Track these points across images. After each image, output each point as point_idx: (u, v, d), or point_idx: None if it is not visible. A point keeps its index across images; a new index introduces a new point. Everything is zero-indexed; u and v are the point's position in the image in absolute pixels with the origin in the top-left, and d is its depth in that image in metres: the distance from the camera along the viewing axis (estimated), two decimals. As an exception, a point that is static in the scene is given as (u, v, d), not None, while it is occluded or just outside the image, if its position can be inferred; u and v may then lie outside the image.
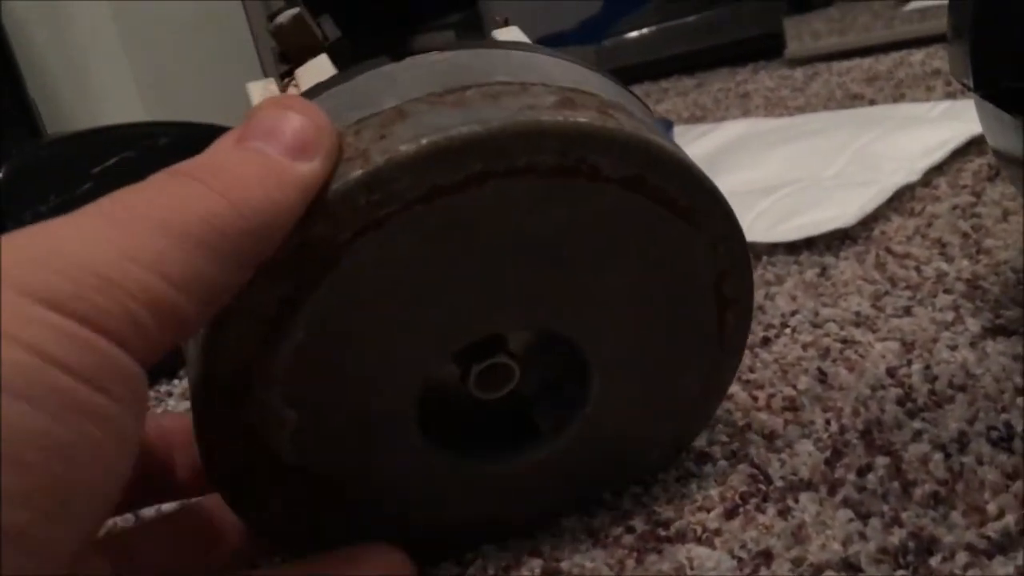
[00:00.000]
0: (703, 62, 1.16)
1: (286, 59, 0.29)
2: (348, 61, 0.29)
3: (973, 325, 0.33)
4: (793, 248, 0.45)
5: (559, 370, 0.25)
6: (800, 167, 0.54)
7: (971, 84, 0.29)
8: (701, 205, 0.23)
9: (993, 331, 0.32)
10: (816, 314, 0.37)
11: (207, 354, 0.20)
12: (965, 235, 0.42)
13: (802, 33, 1.15)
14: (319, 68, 0.25)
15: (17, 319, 0.13)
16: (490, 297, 0.22)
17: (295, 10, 0.29)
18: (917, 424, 0.27)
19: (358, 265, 0.20)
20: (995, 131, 0.31)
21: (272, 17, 0.29)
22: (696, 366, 0.25)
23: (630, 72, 1.21)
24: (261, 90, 0.25)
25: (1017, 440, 0.26)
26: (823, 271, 0.42)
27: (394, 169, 0.19)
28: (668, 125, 0.57)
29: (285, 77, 0.28)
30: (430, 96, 0.20)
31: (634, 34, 1.20)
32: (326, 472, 0.22)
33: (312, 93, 0.22)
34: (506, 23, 0.31)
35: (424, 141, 0.19)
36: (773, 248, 0.46)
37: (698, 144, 0.65)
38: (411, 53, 0.29)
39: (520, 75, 0.21)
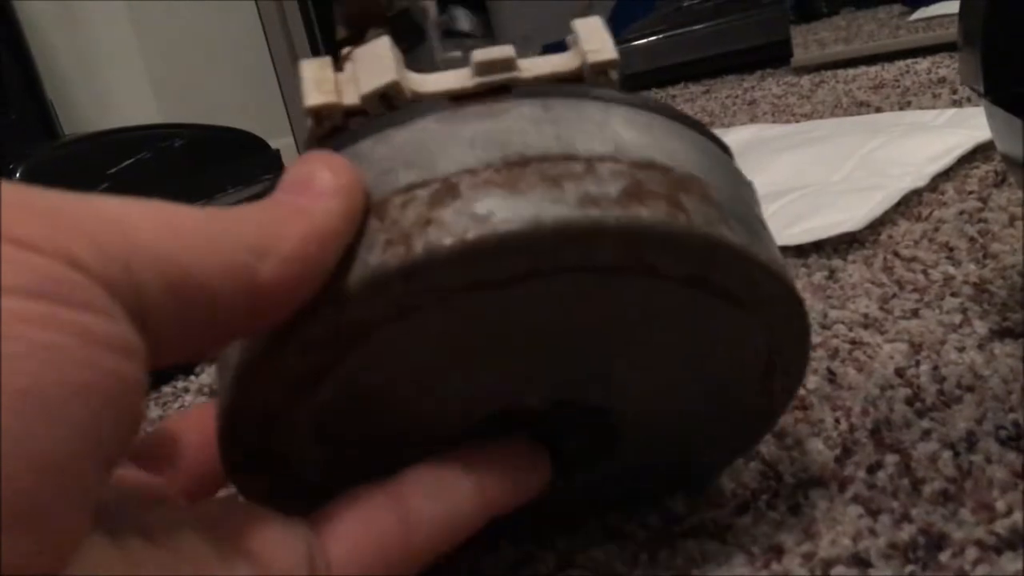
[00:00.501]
0: (711, 70, 1.17)
1: (349, 24, 0.28)
2: (411, 37, 0.28)
3: (980, 327, 0.34)
4: (801, 251, 0.46)
5: (588, 422, 0.25)
6: (808, 172, 0.55)
7: (981, 89, 0.29)
8: (763, 295, 0.21)
9: (1000, 333, 0.33)
10: (825, 316, 0.38)
11: (234, 397, 0.20)
12: (972, 239, 0.43)
13: (808, 41, 1.16)
14: (379, 57, 0.23)
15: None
16: (522, 377, 0.21)
17: None
18: (926, 423, 0.28)
19: (389, 342, 0.19)
20: (1004, 136, 0.31)
21: None
22: (735, 424, 0.25)
23: (638, 79, 1.22)
24: (316, 69, 0.23)
25: (1025, 439, 0.26)
26: (831, 274, 0.42)
27: (436, 263, 0.17)
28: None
29: (344, 47, 0.27)
30: (487, 168, 0.18)
31: (642, 42, 1.20)
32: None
33: (366, 131, 0.20)
34: (588, 6, 0.29)
35: (470, 236, 0.17)
36: (782, 251, 0.46)
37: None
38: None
39: (589, 143, 0.19)
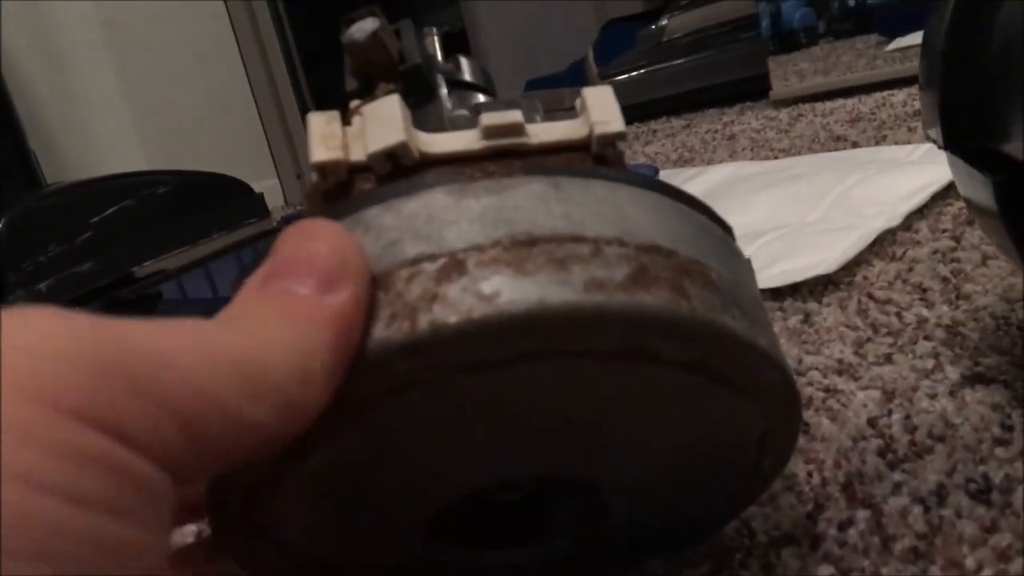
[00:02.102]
0: (691, 103, 1.18)
1: (357, 75, 0.27)
2: (421, 93, 0.28)
3: (952, 373, 0.34)
4: (778, 294, 0.46)
5: (579, 494, 0.25)
6: (784, 212, 0.55)
7: (941, 143, 0.30)
8: (761, 382, 0.21)
9: (972, 379, 0.33)
10: (800, 362, 0.38)
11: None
12: (945, 280, 0.43)
13: (788, 72, 1.18)
14: (388, 115, 0.22)
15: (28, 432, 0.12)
16: (517, 454, 0.21)
17: (373, 26, 0.26)
18: (897, 476, 0.28)
19: (385, 417, 0.19)
20: (966, 185, 0.32)
21: (348, 22, 0.27)
22: (722, 498, 0.25)
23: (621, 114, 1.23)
24: (323, 124, 0.22)
25: (995, 492, 0.26)
26: (806, 318, 0.42)
27: (439, 341, 0.17)
28: (654, 171, 0.58)
29: (354, 99, 0.27)
30: (495, 245, 0.18)
31: (623, 77, 1.22)
32: (334, 558, 0.23)
33: (373, 199, 0.20)
34: (599, 76, 0.29)
35: (476, 315, 0.17)
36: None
37: (684, 189, 0.66)
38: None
39: (597, 225, 0.19)
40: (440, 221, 0.19)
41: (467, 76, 0.32)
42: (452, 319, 0.17)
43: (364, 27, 0.26)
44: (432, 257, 0.18)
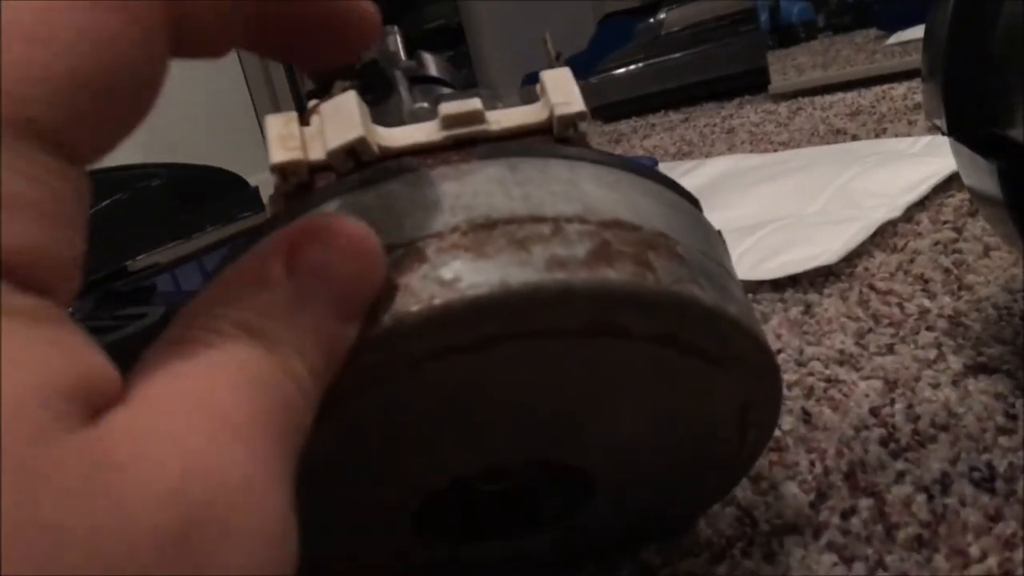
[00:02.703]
0: (690, 97, 1.18)
1: (314, 76, 0.27)
2: (379, 89, 0.28)
3: (955, 363, 0.33)
4: (778, 285, 0.46)
5: (562, 479, 0.24)
6: (784, 204, 0.55)
7: (944, 128, 0.29)
8: (735, 351, 0.21)
9: (975, 369, 0.33)
10: (801, 352, 0.38)
11: None
12: (947, 271, 0.43)
13: (786, 67, 1.17)
14: (345, 112, 0.22)
15: None
16: (496, 440, 0.21)
17: None
18: (900, 465, 0.28)
19: (357, 411, 0.18)
20: (970, 172, 0.31)
21: None
22: (710, 474, 0.25)
23: (618, 108, 1.23)
24: (281, 125, 0.22)
25: (999, 480, 0.26)
26: (807, 309, 0.42)
27: (403, 330, 0.17)
28: (652, 163, 0.58)
29: (312, 98, 0.26)
30: (454, 231, 0.18)
31: (621, 71, 1.21)
32: (318, 558, 0.22)
33: (331, 193, 0.19)
34: (558, 58, 0.29)
35: (437, 301, 0.17)
36: (758, 285, 0.46)
37: (683, 181, 0.66)
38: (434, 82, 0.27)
39: (556, 204, 0.19)
40: (398, 212, 0.19)
41: (431, 71, 0.32)
42: (414, 308, 0.17)
43: None
44: (391, 248, 0.18)
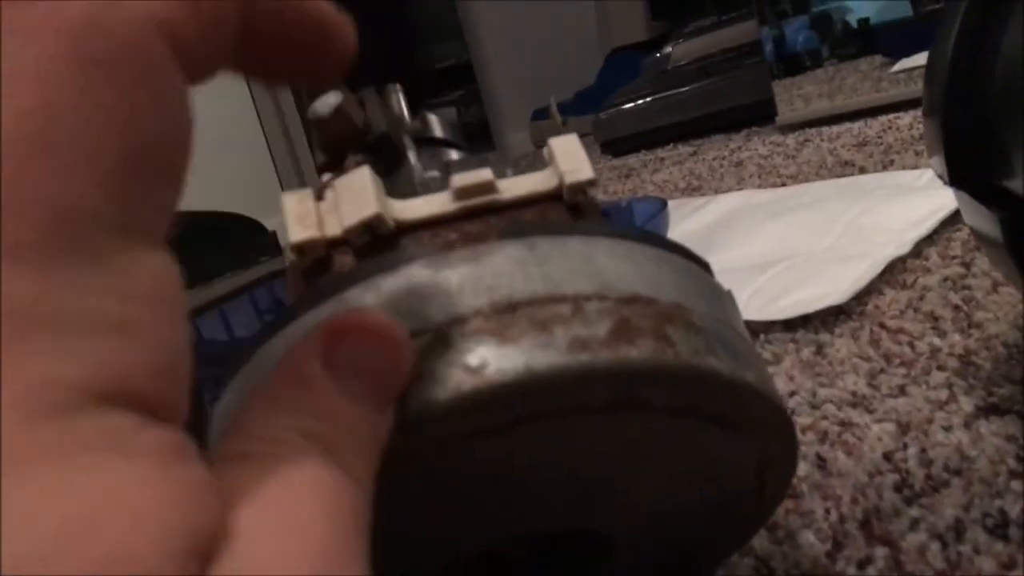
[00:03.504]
0: (698, 130, 1.19)
1: (326, 149, 0.28)
2: (391, 161, 0.29)
3: (966, 404, 0.34)
4: (790, 325, 0.46)
5: (584, 541, 0.25)
6: (793, 242, 0.56)
7: (947, 179, 0.30)
8: (752, 416, 0.21)
9: (986, 410, 0.33)
10: (814, 395, 0.38)
11: None
12: (956, 308, 0.43)
13: (793, 96, 1.18)
14: (360, 188, 0.23)
15: None
16: (521, 511, 0.22)
17: (336, 100, 0.27)
18: (915, 512, 0.28)
19: (386, 487, 0.18)
20: (972, 216, 0.32)
21: (311, 97, 0.27)
22: (728, 528, 0.26)
23: (627, 142, 1.24)
24: (297, 203, 0.23)
25: (1012, 527, 0.26)
26: (819, 349, 0.43)
27: (431, 417, 0.17)
28: (662, 204, 0.59)
29: (324, 172, 0.27)
30: (477, 315, 0.18)
31: (630, 105, 1.23)
32: None
33: (353, 279, 0.20)
34: (564, 124, 0.30)
35: (465, 388, 0.17)
36: (770, 325, 0.47)
37: (693, 219, 0.67)
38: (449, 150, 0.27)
39: (575, 282, 0.19)
40: (421, 296, 0.19)
41: (436, 132, 0.32)
42: (442, 395, 0.17)
43: (327, 102, 0.26)
44: (416, 334, 0.18)
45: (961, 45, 0.29)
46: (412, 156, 0.29)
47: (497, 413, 0.18)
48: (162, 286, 0.13)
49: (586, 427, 0.19)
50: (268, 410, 0.15)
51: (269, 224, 0.95)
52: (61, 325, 0.11)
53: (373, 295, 0.19)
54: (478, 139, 1.55)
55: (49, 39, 0.12)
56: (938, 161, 0.30)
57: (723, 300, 0.23)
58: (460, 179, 0.23)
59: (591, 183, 0.24)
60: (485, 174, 0.23)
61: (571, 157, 0.24)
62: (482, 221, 0.23)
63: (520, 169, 0.26)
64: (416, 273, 0.19)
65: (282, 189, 1.35)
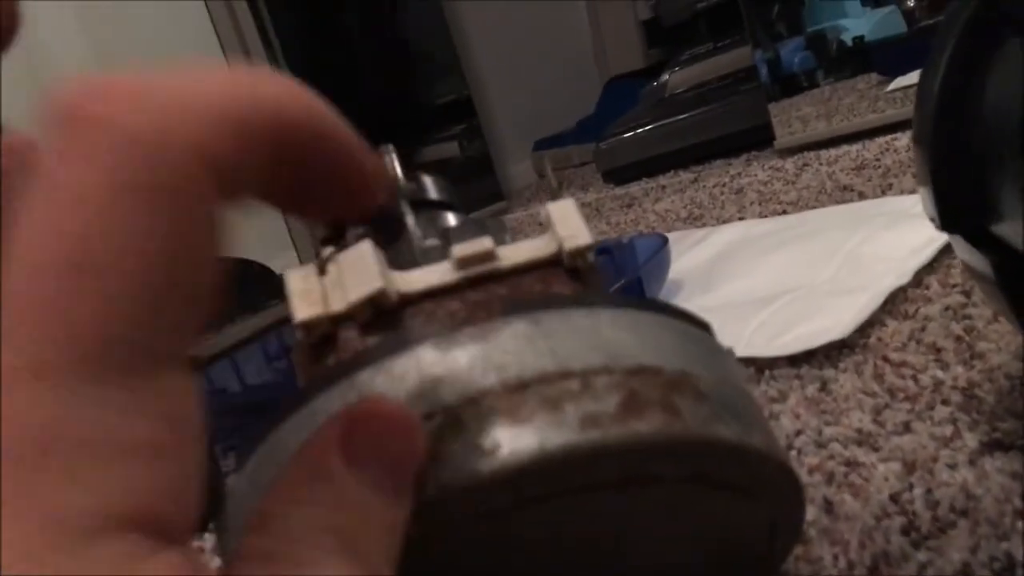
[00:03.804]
0: (698, 156, 1.20)
1: (327, 222, 0.29)
2: (391, 232, 0.29)
3: (971, 440, 0.34)
4: (794, 360, 0.47)
5: None
6: (795, 274, 0.56)
7: (939, 224, 0.31)
8: (761, 479, 0.22)
9: (990, 446, 0.33)
10: (820, 433, 0.39)
11: None
12: (958, 338, 0.43)
13: (791, 118, 1.19)
14: (363, 263, 0.23)
15: None
16: None
17: None
18: (922, 556, 0.28)
19: (399, 568, 0.19)
20: (964, 252, 0.32)
21: None
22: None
23: (628, 171, 1.25)
24: (300, 281, 0.23)
25: (1018, 569, 0.26)
26: (824, 385, 0.43)
27: (447, 503, 0.18)
28: (663, 241, 0.60)
29: (326, 244, 0.27)
30: (487, 393, 0.19)
31: (629, 134, 1.24)
32: None
33: (363, 361, 0.20)
34: (560, 186, 0.30)
35: (479, 472, 0.17)
36: (774, 361, 0.47)
37: (694, 253, 0.68)
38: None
39: (582, 356, 0.20)
40: (431, 377, 0.19)
41: (431, 194, 0.33)
42: (457, 479, 0.18)
43: None
44: (429, 415, 0.18)
45: (945, 95, 0.30)
46: (410, 223, 0.30)
47: (510, 494, 0.18)
48: (184, 407, 0.13)
49: (597, 501, 0.20)
50: (288, 506, 0.15)
51: (276, 267, 0.96)
52: (81, 449, 0.11)
53: (384, 378, 0.20)
54: (480, 172, 1.56)
55: (95, 163, 0.12)
56: (928, 203, 0.31)
57: (725, 360, 0.23)
58: (460, 249, 0.23)
59: (590, 248, 0.24)
60: (485, 243, 0.23)
61: (569, 222, 0.25)
62: (484, 289, 0.24)
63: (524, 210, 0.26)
64: (425, 354, 0.20)
65: (289, 233, 1.36)
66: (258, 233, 1.36)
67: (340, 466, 0.16)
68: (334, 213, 0.18)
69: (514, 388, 0.19)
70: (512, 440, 0.18)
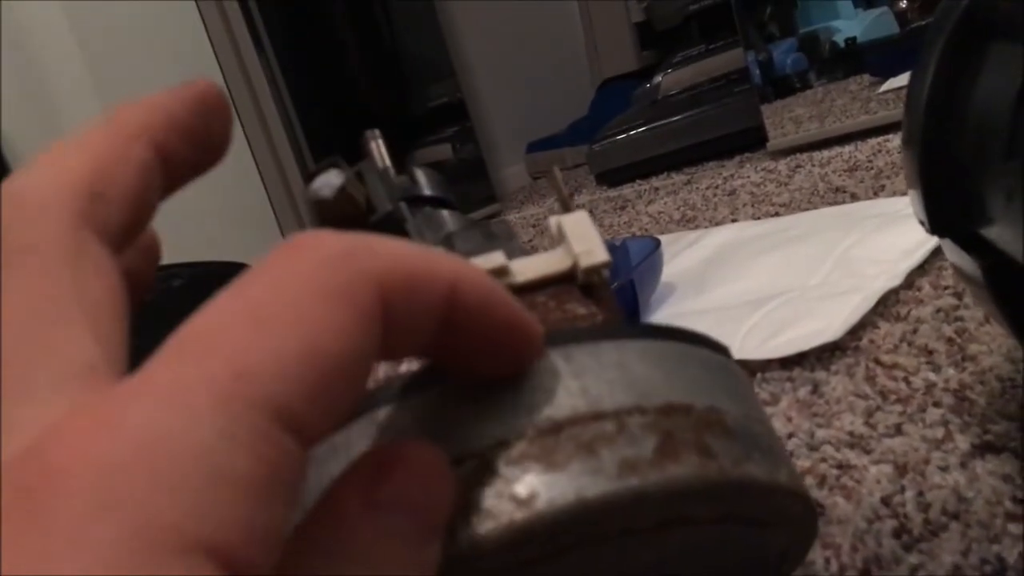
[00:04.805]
0: (691, 158, 1.20)
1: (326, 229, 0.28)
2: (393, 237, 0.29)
3: (962, 442, 0.34)
4: (786, 363, 0.47)
5: None
6: (786, 277, 0.56)
7: (928, 227, 0.31)
8: (785, 514, 0.21)
9: (982, 448, 0.33)
10: (812, 436, 0.39)
11: None
12: (950, 340, 0.44)
13: (784, 119, 1.19)
14: None
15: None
16: None
17: (339, 180, 0.26)
18: (914, 558, 0.28)
19: None
20: (953, 255, 0.32)
21: (309, 177, 0.27)
22: None
23: (622, 172, 1.25)
24: None
25: (1009, 572, 0.26)
26: (816, 388, 0.43)
27: (482, 554, 0.17)
28: (656, 243, 0.60)
29: None
30: (520, 438, 0.18)
31: (622, 136, 1.24)
32: None
33: (384, 397, 0.19)
34: (571, 196, 0.29)
35: (515, 522, 0.17)
36: (766, 364, 0.47)
37: (687, 255, 0.68)
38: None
39: (615, 395, 0.19)
40: (457, 419, 0.18)
41: (426, 190, 0.32)
42: (493, 530, 0.17)
43: (330, 182, 0.26)
44: (458, 459, 0.18)
45: (933, 101, 0.30)
46: (411, 227, 0.30)
47: (547, 544, 0.17)
48: (291, 468, 0.13)
49: (628, 544, 0.19)
50: (308, 556, 0.15)
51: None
52: (188, 463, 0.12)
53: (408, 417, 0.19)
54: (473, 175, 1.57)
55: (293, 266, 0.14)
56: (918, 206, 0.31)
57: (745, 389, 0.23)
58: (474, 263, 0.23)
59: (605, 265, 0.24)
60: (498, 258, 0.23)
61: (584, 237, 0.24)
62: None
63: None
64: (451, 390, 0.19)
65: (282, 235, 1.36)
66: (250, 235, 1.36)
67: (362, 514, 0.15)
68: (491, 371, 0.19)
69: (547, 431, 0.18)
70: (548, 488, 0.17)
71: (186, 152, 0.19)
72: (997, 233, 0.27)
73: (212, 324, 0.13)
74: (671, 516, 0.19)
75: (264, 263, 0.14)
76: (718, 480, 0.19)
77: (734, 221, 0.82)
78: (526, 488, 0.17)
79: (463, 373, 0.18)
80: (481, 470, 0.17)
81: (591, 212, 1.14)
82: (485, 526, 0.17)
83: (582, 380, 0.19)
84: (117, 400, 0.12)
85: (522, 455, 0.18)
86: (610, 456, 0.18)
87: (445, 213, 0.32)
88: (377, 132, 0.35)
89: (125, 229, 0.17)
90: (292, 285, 0.13)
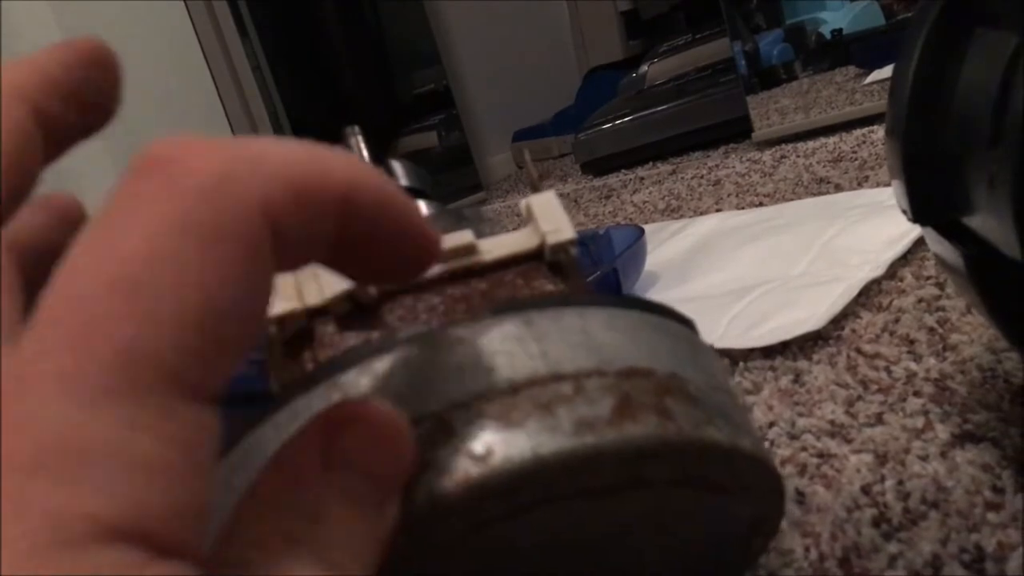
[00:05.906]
0: (676, 148, 1.20)
1: None
2: None
3: (943, 432, 0.34)
4: (768, 352, 0.47)
5: None
6: (770, 266, 0.56)
7: (911, 215, 0.30)
8: (748, 481, 0.21)
9: (962, 437, 0.34)
10: (793, 425, 0.39)
11: None
12: (931, 330, 0.44)
13: (770, 110, 1.19)
14: (338, 280, 0.22)
15: None
16: None
17: None
18: (893, 547, 0.28)
19: None
20: (935, 244, 0.32)
21: None
22: (721, 571, 0.26)
23: (607, 162, 1.25)
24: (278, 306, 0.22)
25: (988, 561, 0.26)
26: (797, 377, 0.43)
27: (440, 512, 0.17)
28: (640, 232, 0.59)
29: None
30: (477, 397, 0.18)
31: (608, 126, 1.24)
32: None
33: (347, 361, 0.19)
34: (540, 178, 0.29)
35: (472, 479, 0.17)
36: (749, 353, 0.47)
37: (671, 245, 0.68)
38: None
39: (574, 359, 0.19)
40: (418, 380, 0.18)
41: (402, 181, 0.32)
42: (449, 487, 0.17)
43: None
44: (417, 419, 0.17)
45: (917, 90, 0.30)
46: None
47: (504, 501, 0.17)
48: (199, 438, 0.13)
49: (587, 506, 0.19)
50: (260, 514, 0.14)
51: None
52: (92, 456, 0.11)
53: (369, 379, 0.19)
54: (459, 163, 1.56)
55: (163, 205, 0.13)
56: (900, 195, 0.31)
57: (710, 359, 0.23)
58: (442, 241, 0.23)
59: (572, 242, 0.24)
60: (466, 236, 0.23)
61: (551, 216, 0.25)
62: (464, 283, 0.23)
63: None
64: (412, 355, 0.19)
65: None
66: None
67: (316, 474, 0.15)
68: (390, 279, 0.18)
69: (505, 392, 0.18)
70: (505, 446, 0.17)
71: (67, 115, 0.18)
72: (979, 221, 0.27)
73: (86, 294, 0.12)
74: (629, 477, 0.18)
75: (127, 195, 0.13)
76: (676, 440, 0.19)
77: (719, 211, 0.82)
78: (483, 445, 0.17)
79: (365, 279, 0.18)
80: (438, 429, 0.17)
81: (575, 201, 1.14)
82: (442, 483, 0.17)
83: (542, 344, 0.19)
84: (9, 396, 0.12)
85: (480, 415, 0.18)
86: (567, 415, 0.18)
87: (422, 203, 0.32)
88: (357, 129, 0.35)
89: (3, 197, 0.16)
90: (166, 233, 0.13)
